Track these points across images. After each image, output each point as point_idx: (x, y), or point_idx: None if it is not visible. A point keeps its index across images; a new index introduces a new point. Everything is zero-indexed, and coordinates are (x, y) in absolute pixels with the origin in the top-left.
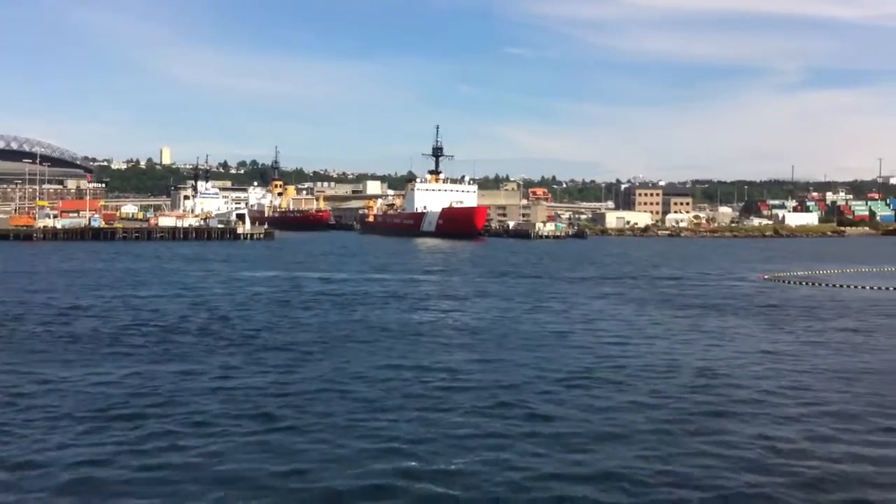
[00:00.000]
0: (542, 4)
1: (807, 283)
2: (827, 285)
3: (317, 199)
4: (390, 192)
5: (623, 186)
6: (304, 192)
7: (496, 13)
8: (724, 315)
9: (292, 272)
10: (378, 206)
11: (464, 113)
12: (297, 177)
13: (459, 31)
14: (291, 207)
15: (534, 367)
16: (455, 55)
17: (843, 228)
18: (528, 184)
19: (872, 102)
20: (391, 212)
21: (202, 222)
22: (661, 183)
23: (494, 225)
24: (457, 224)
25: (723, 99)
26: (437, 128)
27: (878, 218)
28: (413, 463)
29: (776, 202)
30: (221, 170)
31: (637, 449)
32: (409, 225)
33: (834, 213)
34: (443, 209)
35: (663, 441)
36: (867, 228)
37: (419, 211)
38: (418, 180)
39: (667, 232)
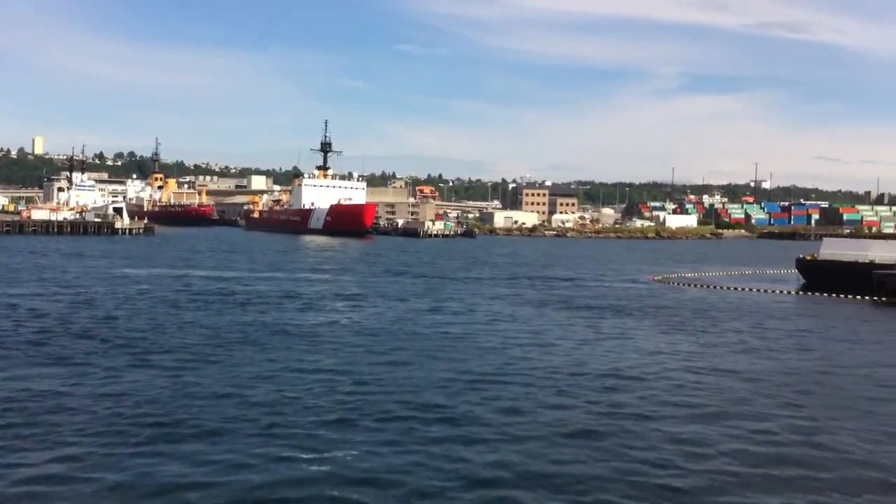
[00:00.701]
0: (432, 2)
1: (695, 286)
2: (715, 287)
3: (199, 194)
4: (276, 187)
5: (510, 186)
6: (186, 185)
7: (386, 9)
8: (622, 317)
9: (177, 269)
10: (264, 202)
11: (352, 109)
12: (178, 170)
13: (349, 26)
14: (172, 202)
15: (439, 369)
16: (344, 50)
17: (720, 231)
18: (415, 182)
19: (747, 108)
20: (277, 208)
21: (78, 216)
22: (548, 183)
23: (383, 223)
24: (345, 222)
25: (605, 101)
26: (326, 123)
27: (753, 221)
28: (315, 467)
29: (656, 204)
30: (97, 161)
31: (546, 449)
32: (295, 222)
33: (711, 216)
34: (331, 206)
35: (574, 443)
36: (743, 231)
37: (307, 207)
38: (306, 176)
39: (553, 232)
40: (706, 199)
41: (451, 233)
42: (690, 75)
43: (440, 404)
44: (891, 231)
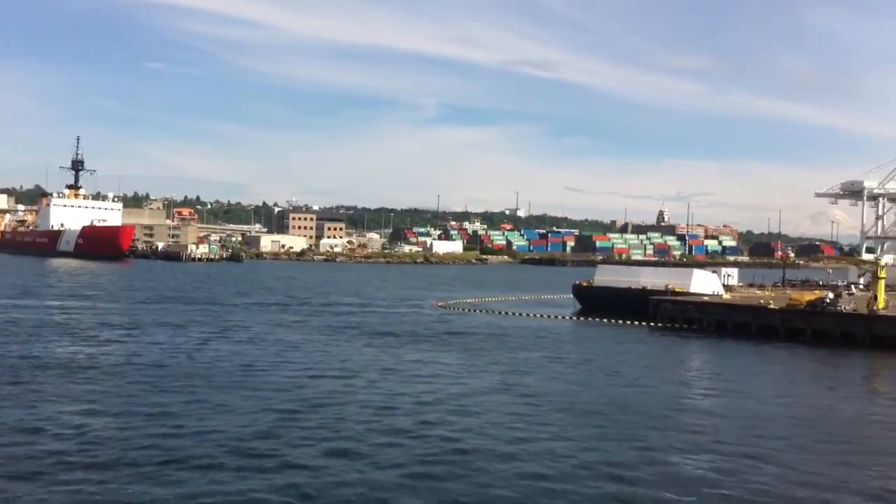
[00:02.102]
0: (184, 21)
1: (478, 311)
2: (498, 312)
3: None
4: (20, 206)
5: (276, 210)
6: None
7: (136, 26)
8: (419, 343)
9: None
10: (6, 223)
11: (104, 127)
12: None
13: (98, 42)
14: None
15: (244, 408)
16: (93, 67)
17: (485, 257)
18: (171, 203)
19: (503, 140)
20: (22, 229)
21: None
22: (316, 207)
23: (141, 246)
24: (100, 244)
25: (367, 129)
26: (78, 139)
27: (514, 247)
28: None
29: (422, 230)
30: None
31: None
32: (43, 244)
33: (476, 242)
34: (84, 228)
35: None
36: (506, 257)
37: (55, 229)
38: (55, 195)
39: (322, 257)
40: (468, 225)
41: (217, 257)
42: (449, 107)
43: (250, 449)
44: (640, 257)
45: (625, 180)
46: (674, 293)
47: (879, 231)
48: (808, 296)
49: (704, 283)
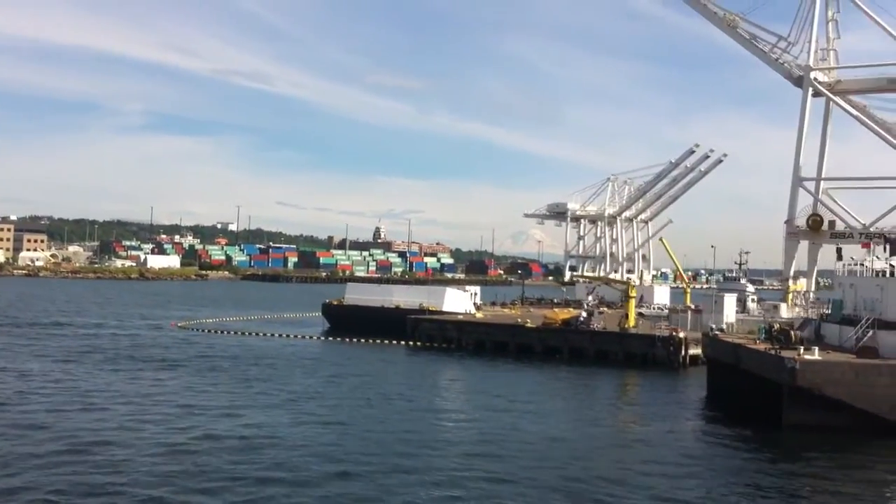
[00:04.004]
0: None
1: (225, 332)
2: (247, 333)
3: None
4: None
5: None
6: None
7: None
8: (170, 369)
9: None
10: None
11: None
12: None
13: None
14: None
15: None
16: None
17: (205, 272)
18: None
19: (215, 151)
20: None
21: None
22: (13, 217)
23: None
24: None
25: (68, 135)
26: None
27: (234, 262)
28: None
29: (132, 244)
30: None
31: None
32: None
33: (193, 257)
34: None
35: None
36: (227, 272)
37: None
38: None
39: (23, 271)
40: (183, 239)
41: None
42: (157, 114)
43: None
44: (363, 273)
45: (338, 196)
46: (429, 312)
47: (581, 250)
48: (563, 314)
49: (456, 302)
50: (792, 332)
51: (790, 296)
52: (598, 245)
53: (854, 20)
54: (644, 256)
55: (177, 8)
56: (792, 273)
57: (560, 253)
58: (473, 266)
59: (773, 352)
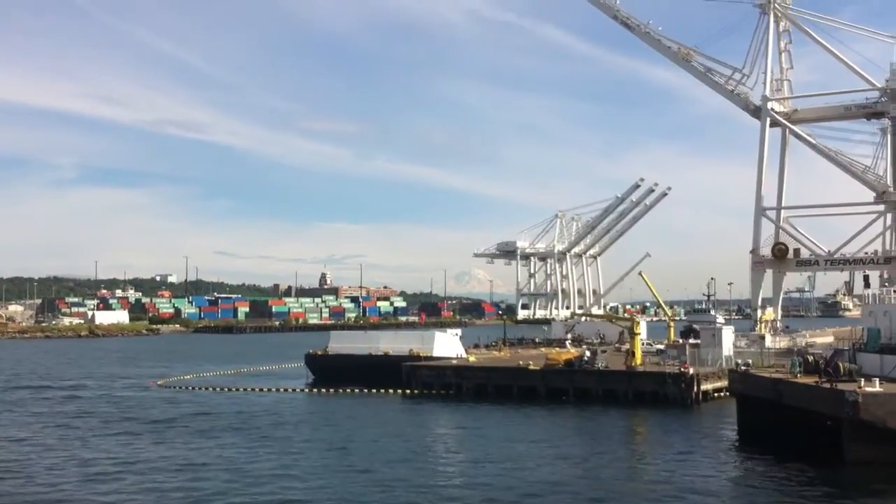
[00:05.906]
0: None
1: (207, 388)
2: (230, 389)
3: None
4: None
5: None
6: None
7: None
8: (166, 432)
9: None
10: None
11: None
12: None
13: None
14: None
15: None
16: None
17: (156, 326)
18: None
19: (150, 203)
20: None
21: None
22: None
23: None
24: None
25: None
26: None
27: (185, 315)
28: None
29: (76, 300)
30: None
31: None
32: None
33: (140, 311)
34: None
35: None
36: (178, 326)
37: None
38: None
39: None
40: (127, 293)
41: None
42: (88, 167)
43: None
44: (317, 321)
45: (279, 243)
46: (422, 358)
47: (532, 288)
48: (565, 355)
49: (447, 347)
50: (841, 364)
51: (760, 325)
52: (548, 282)
53: (806, 52)
54: (595, 291)
55: (105, 59)
56: (760, 302)
57: (507, 291)
58: (425, 308)
59: (826, 385)
